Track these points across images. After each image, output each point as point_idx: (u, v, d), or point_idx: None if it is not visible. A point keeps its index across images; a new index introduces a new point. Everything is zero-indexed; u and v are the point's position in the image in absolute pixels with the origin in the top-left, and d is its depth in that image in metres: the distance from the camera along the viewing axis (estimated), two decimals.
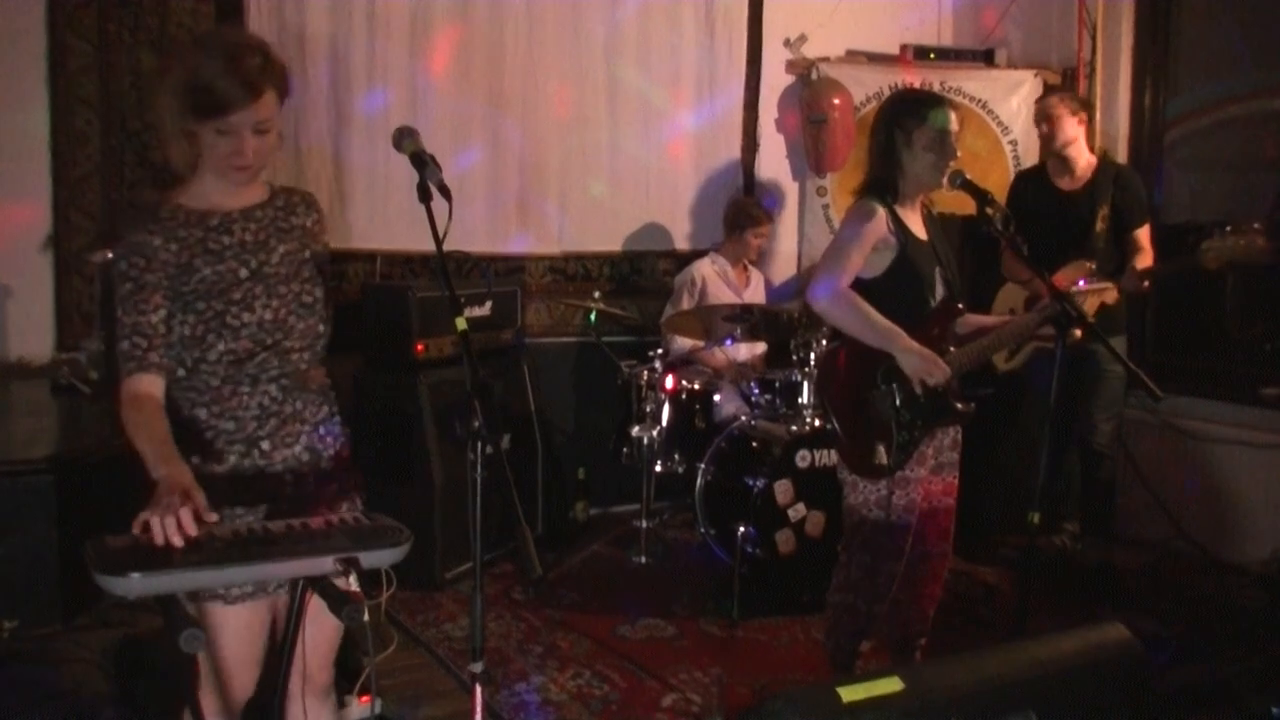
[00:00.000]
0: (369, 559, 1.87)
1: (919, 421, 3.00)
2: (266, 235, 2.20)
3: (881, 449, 3.02)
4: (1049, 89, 5.54)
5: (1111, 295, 4.23)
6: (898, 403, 3.01)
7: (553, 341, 5.31)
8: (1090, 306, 4.09)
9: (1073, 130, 4.56)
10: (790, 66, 5.63)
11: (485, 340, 4.61)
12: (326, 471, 2.28)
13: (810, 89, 5.50)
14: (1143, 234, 4.52)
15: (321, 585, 1.86)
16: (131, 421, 2.03)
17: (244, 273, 2.16)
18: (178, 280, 2.11)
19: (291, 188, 2.32)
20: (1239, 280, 4.84)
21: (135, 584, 1.70)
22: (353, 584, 1.85)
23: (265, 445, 2.20)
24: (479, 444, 1.95)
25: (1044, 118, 4.59)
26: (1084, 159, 4.59)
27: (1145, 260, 4.41)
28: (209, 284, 2.12)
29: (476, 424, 1.96)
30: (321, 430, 2.28)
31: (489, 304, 4.69)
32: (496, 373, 4.63)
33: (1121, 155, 5.31)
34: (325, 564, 1.84)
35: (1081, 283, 4.16)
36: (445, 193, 2.16)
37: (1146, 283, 4.19)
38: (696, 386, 4.71)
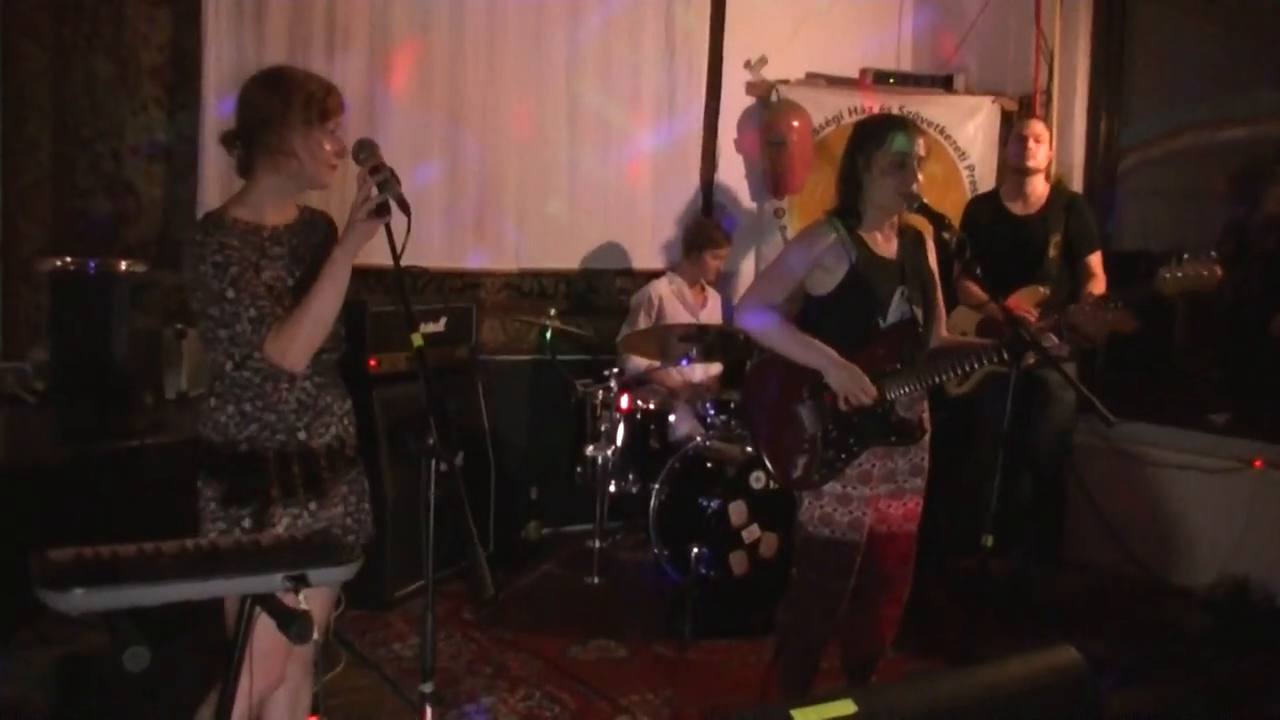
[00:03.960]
0: (318, 576, 1.86)
1: (850, 439, 3.01)
2: (303, 249, 2.44)
3: (800, 462, 3.05)
4: (1006, 116, 5.63)
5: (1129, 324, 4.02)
6: (823, 418, 3.02)
7: (507, 359, 5.29)
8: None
9: (1044, 156, 4.65)
10: (750, 88, 5.65)
11: (439, 357, 4.57)
12: (351, 458, 2.54)
13: (770, 111, 5.53)
14: (1095, 260, 4.58)
15: (269, 603, 1.85)
16: None
17: (290, 281, 2.39)
18: (246, 278, 2.31)
19: (312, 208, 2.54)
20: (1188, 310, 4.92)
21: (79, 600, 1.68)
22: (302, 601, 1.83)
23: (303, 435, 2.41)
24: (433, 461, 1.95)
25: (1029, 137, 4.61)
26: (1041, 185, 4.66)
27: (1098, 286, 4.45)
28: (268, 287, 2.33)
29: (431, 441, 1.98)
30: (346, 421, 2.54)
31: (444, 320, 4.66)
32: (450, 390, 4.59)
33: (1076, 182, 5.39)
34: (273, 581, 1.83)
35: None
36: (404, 207, 2.22)
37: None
38: (651, 406, 4.67)
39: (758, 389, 3.25)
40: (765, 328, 3.03)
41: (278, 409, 2.40)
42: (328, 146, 2.38)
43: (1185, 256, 3.29)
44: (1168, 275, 3.43)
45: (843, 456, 3.02)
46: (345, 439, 2.53)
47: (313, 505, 2.43)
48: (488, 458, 4.66)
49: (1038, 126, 4.69)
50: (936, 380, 3.05)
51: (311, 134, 2.36)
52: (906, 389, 3.02)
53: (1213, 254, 3.27)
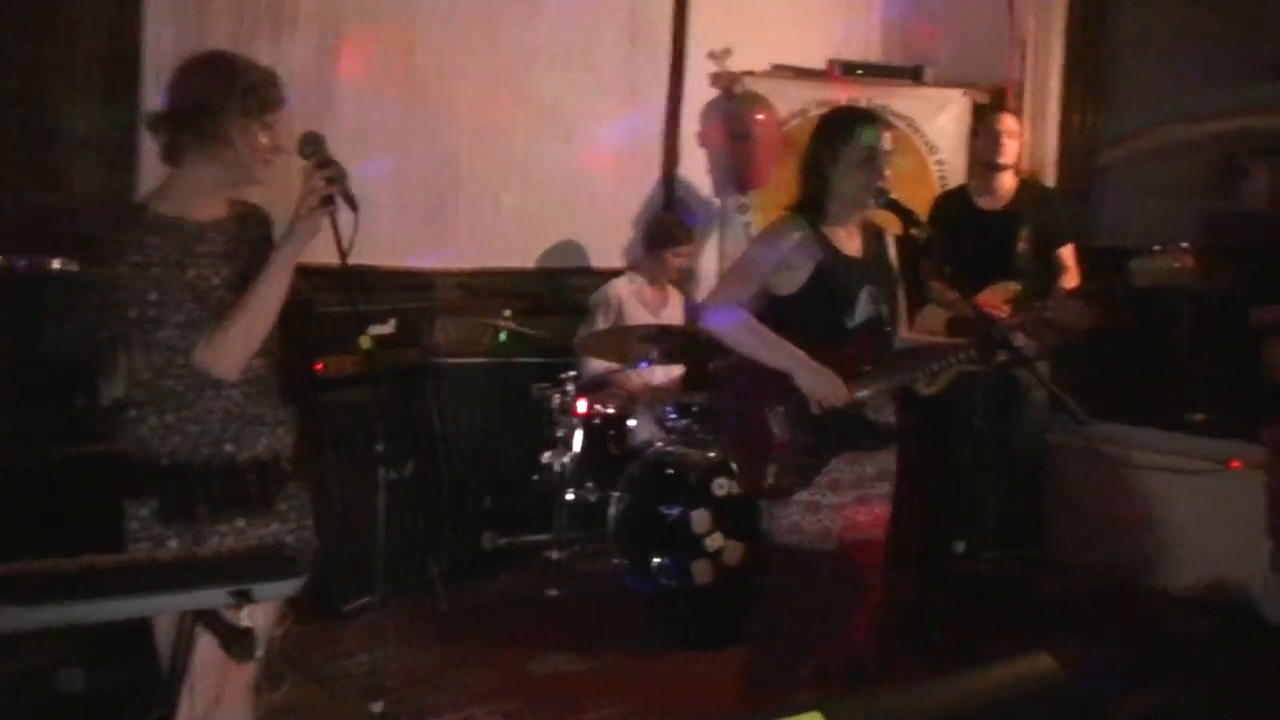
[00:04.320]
0: (263, 591, 1.83)
1: (823, 444, 3.03)
2: (232, 247, 2.36)
3: (772, 470, 3.04)
4: (978, 108, 5.66)
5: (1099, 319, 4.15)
6: (795, 423, 3.03)
7: (461, 362, 5.22)
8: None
9: (1015, 151, 4.72)
10: (714, 80, 5.65)
11: (389, 359, 4.55)
12: (287, 472, 2.44)
13: (734, 103, 5.54)
14: (1066, 253, 4.66)
15: (210, 620, 1.82)
16: None
17: (216, 281, 2.30)
18: (169, 278, 2.24)
19: (245, 202, 2.46)
20: (1165, 307, 5.01)
21: (8, 617, 1.66)
22: (245, 618, 1.81)
23: (230, 448, 2.33)
24: (383, 469, 1.97)
25: (1001, 132, 4.67)
26: (1010, 180, 4.74)
27: (1070, 279, 4.54)
28: (191, 288, 2.26)
29: (380, 448, 1.97)
30: (280, 431, 2.44)
31: (394, 321, 4.64)
32: (401, 394, 4.58)
33: (1050, 177, 5.46)
34: (216, 597, 1.79)
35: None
36: (352, 204, 2.22)
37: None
38: (611, 411, 4.69)
39: (725, 394, 3.25)
40: (732, 329, 3.02)
41: (202, 420, 2.32)
42: (263, 140, 2.32)
43: (1156, 249, 3.39)
44: (1138, 267, 3.55)
45: (815, 463, 3.03)
46: (279, 451, 2.44)
47: (241, 523, 2.37)
48: (441, 465, 4.66)
49: (1010, 121, 4.75)
50: (907, 381, 3.09)
51: (250, 125, 2.30)
52: (877, 391, 3.05)
53: (1184, 245, 3.36)
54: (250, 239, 2.41)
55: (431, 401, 4.68)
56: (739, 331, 3.02)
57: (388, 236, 4.95)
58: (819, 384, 2.97)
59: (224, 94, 2.30)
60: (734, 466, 3.20)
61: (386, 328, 4.60)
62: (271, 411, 2.44)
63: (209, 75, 2.33)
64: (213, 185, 2.37)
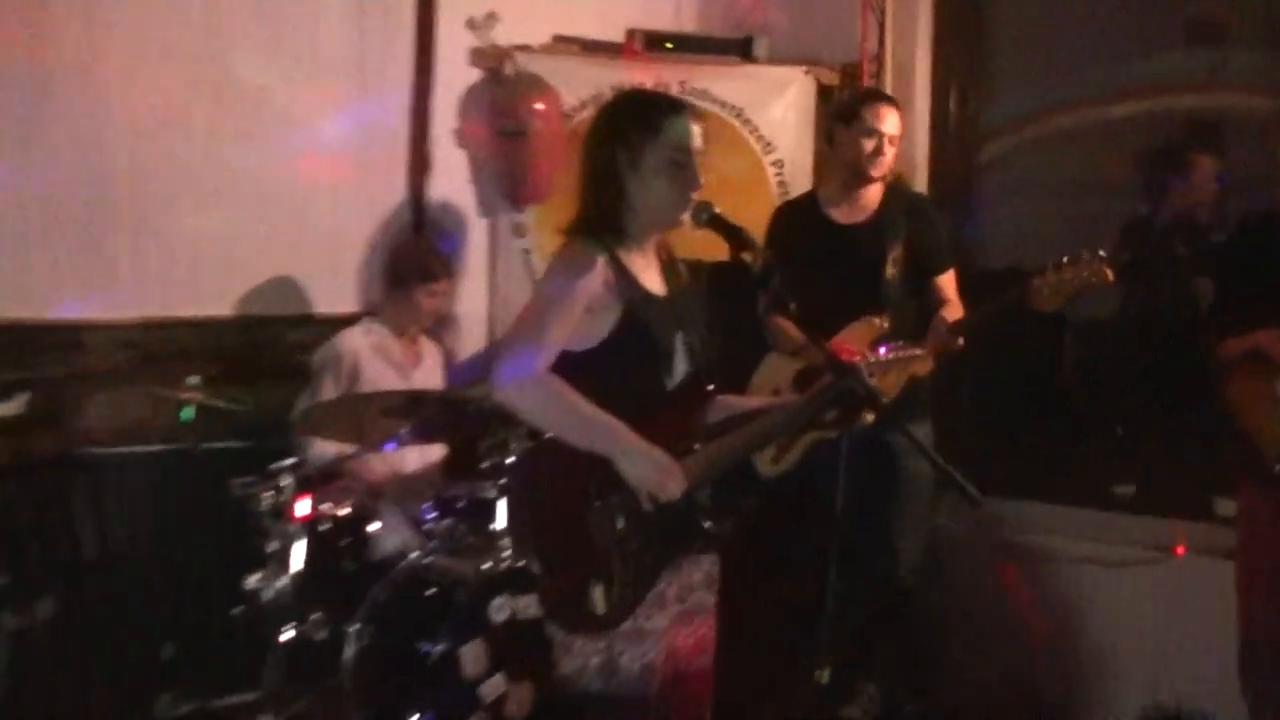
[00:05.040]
0: None
1: (652, 550, 3.06)
2: None
3: (598, 591, 3.03)
4: (824, 91, 5.79)
5: (924, 365, 4.42)
6: (620, 525, 3.04)
7: (126, 451, 5.05)
8: (892, 383, 4.29)
9: (894, 156, 4.83)
10: (476, 57, 5.69)
11: (16, 449, 4.45)
12: None
13: (504, 89, 5.57)
14: (946, 282, 4.80)
15: None
16: None
17: None
18: None
19: None
20: (1076, 344, 5.18)
21: None
22: None
23: None
24: (6, 613, 1.80)
25: (881, 132, 4.74)
26: (876, 187, 4.86)
27: (954, 313, 4.63)
28: None
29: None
30: None
31: (23, 397, 4.55)
32: (34, 499, 4.42)
33: (920, 180, 5.60)
34: None
35: (882, 350, 4.32)
36: None
37: (960, 340, 4.40)
38: (345, 512, 4.60)
39: (528, 490, 3.28)
40: (534, 396, 3.02)
41: None
42: None
43: (1065, 260, 3.63)
44: (1042, 283, 3.95)
45: (647, 577, 3.08)
46: None
47: None
48: (98, 600, 4.50)
49: (891, 116, 4.79)
50: (746, 458, 3.26)
51: None
52: (711, 473, 3.09)
53: (1100, 252, 3.58)
54: None
55: (81, 509, 4.53)
56: (540, 397, 3.02)
57: (14, 278, 4.82)
58: (650, 470, 2.99)
59: None
60: (547, 595, 3.19)
61: (11, 406, 4.50)
62: None
63: None
64: None
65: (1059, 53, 5.50)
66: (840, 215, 4.83)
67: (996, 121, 5.67)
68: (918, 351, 4.36)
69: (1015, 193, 5.67)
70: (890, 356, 4.30)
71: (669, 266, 3.26)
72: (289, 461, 4.52)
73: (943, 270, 4.79)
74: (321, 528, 4.54)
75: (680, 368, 3.15)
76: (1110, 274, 3.23)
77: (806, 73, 5.87)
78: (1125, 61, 5.29)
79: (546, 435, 3.12)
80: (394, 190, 5.70)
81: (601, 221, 3.12)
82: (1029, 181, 5.65)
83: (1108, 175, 5.36)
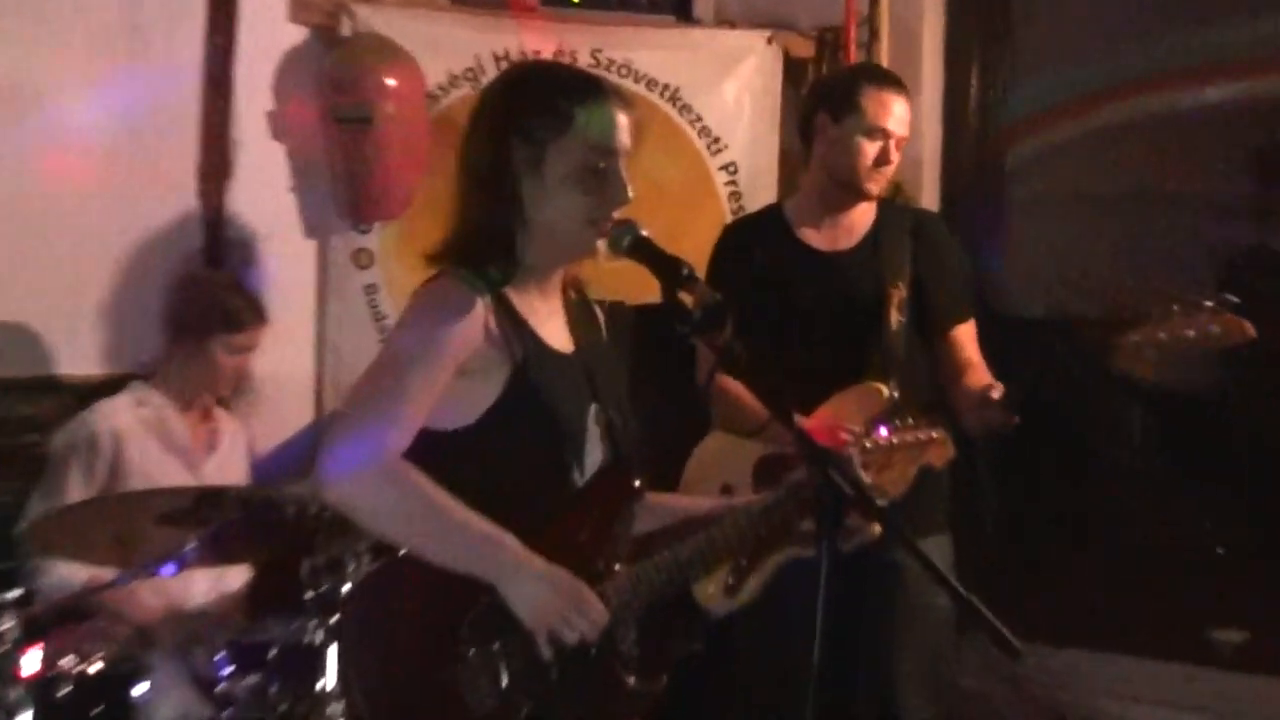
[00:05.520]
0: None
1: (551, 715, 3.07)
2: None
3: None
4: (794, 66, 5.76)
5: (942, 453, 4.12)
6: (505, 682, 3.00)
7: None
8: (896, 479, 3.99)
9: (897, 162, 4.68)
10: (299, 10, 5.65)
11: None
12: None
13: (340, 57, 5.51)
14: (966, 336, 4.60)
15: None
16: None
17: None
18: None
19: None
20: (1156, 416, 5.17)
21: None
22: None
23: None
24: None
25: (888, 130, 4.50)
26: (867, 204, 4.74)
27: (980, 377, 4.46)
28: None
29: None
30: None
31: None
32: None
33: (928, 191, 5.61)
34: None
35: (882, 430, 4.09)
36: None
37: (1014, 418, 4.22)
38: (96, 668, 4.12)
39: (371, 632, 3.13)
40: (383, 496, 2.96)
41: None
42: None
43: (1175, 307, 3.65)
44: (1145, 340, 3.84)
45: None
46: None
47: None
48: None
49: (902, 104, 4.57)
50: (684, 584, 3.16)
51: None
52: (637, 605, 3.07)
53: (1226, 297, 3.57)
54: None
55: None
56: (392, 499, 2.96)
57: None
58: (549, 599, 2.94)
59: None
60: None
61: None
62: None
63: None
64: None
65: (1114, 19, 5.41)
66: (819, 239, 4.63)
67: (1032, 108, 5.60)
68: (934, 434, 4.09)
69: (1056, 208, 5.61)
70: (895, 440, 4.03)
71: (580, 311, 3.26)
72: (12, 594, 4.03)
73: (961, 318, 4.60)
74: (60, 692, 4.09)
75: (593, 454, 3.14)
76: (1249, 328, 3.19)
77: (769, 40, 5.81)
78: (1216, 24, 5.18)
79: (398, 551, 3.04)
80: (178, 200, 5.53)
81: (485, 248, 3.08)
82: (1076, 193, 5.58)
83: (1193, 184, 5.22)
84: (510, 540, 2.95)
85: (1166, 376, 3.86)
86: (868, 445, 3.95)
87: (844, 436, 4.06)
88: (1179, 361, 3.83)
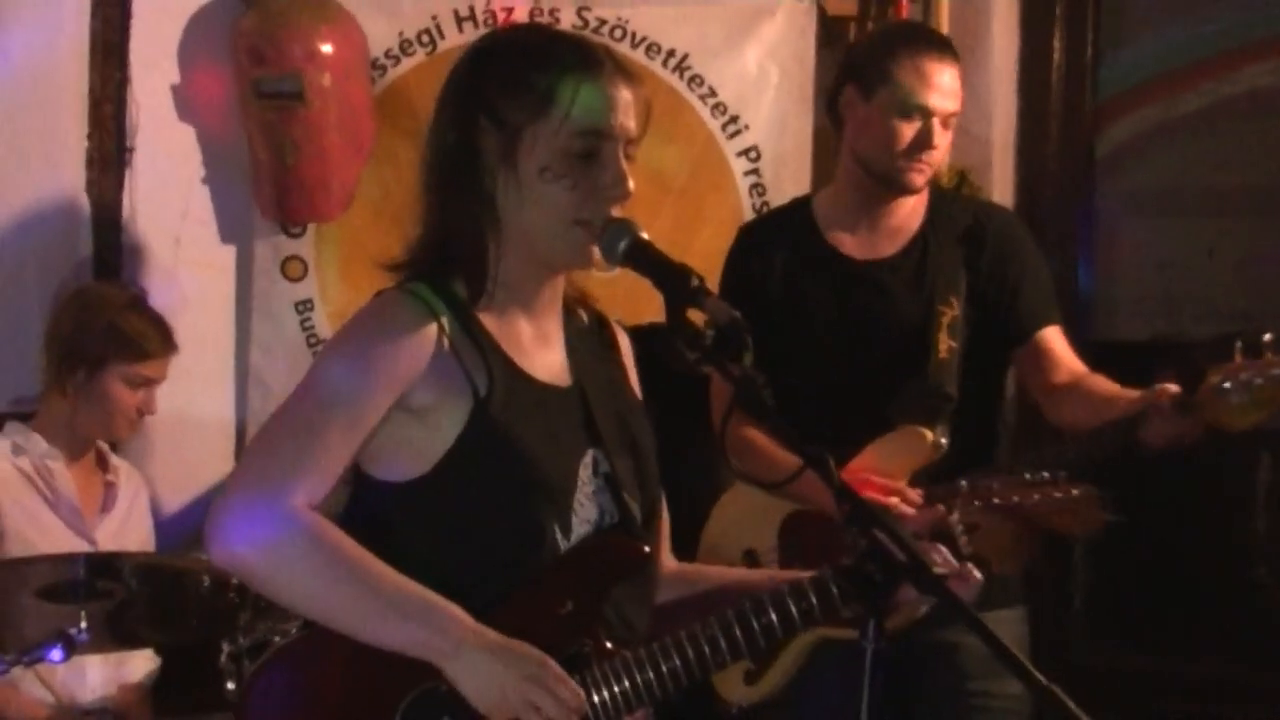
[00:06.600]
0: None
1: None
2: None
3: None
4: (831, 28, 5.73)
5: (1086, 517, 3.91)
6: None
7: None
8: (997, 544, 3.83)
9: (947, 148, 4.60)
10: None
11: None
12: None
13: (260, 18, 5.55)
14: (1052, 337, 4.48)
15: None
16: None
17: None
18: None
19: None
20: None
21: None
22: None
23: None
24: None
25: (931, 108, 4.39)
26: (913, 199, 4.64)
27: (1107, 383, 4.34)
28: None
29: None
30: None
31: None
32: None
33: (1000, 183, 5.63)
34: None
35: (963, 482, 3.97)
36: None
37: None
38: None
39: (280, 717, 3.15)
40: (295, 562, 2.88)
41: None
42: None
43: (1267, 338, 3.67)
44: (1230, 379, 3.85)
45: None
46: None
47: None
48: None
49: (948, 73, 4.46)
50: (696, 671, 3.04)
51: None
52: (636, 698, 3.00)
53: None
54: None
55: None
56: (305, 561, 2.89)
57: None
58: (509, 681, 2.85)
59: None
60: None
61: None
62: None
63: None
64: None
65: None
66: (852, 244, 4.56)
67: (1132, 80, 5.60)
68: (1075, 491, 3.85)
69: (1160, 204, 5.63)
70: (1018, 498, 3.87)
71: (588, 338, 3.18)
72: None
73: (1050, 319, 4.47)
74: None
75: (586, 511, 3.05)
76: None
77: None
78: None
79: (318, 628, 2.98)
80: (60, 196, 5.61)
81: (449, 257, 3.02)
82: (1185, 186, 5.56)
83: None
84: (457, 611, 2.86)
85: (1262, 420, 3.84)
86: (976, 503, 3.79)
87: (887, 489, 4.06)
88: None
